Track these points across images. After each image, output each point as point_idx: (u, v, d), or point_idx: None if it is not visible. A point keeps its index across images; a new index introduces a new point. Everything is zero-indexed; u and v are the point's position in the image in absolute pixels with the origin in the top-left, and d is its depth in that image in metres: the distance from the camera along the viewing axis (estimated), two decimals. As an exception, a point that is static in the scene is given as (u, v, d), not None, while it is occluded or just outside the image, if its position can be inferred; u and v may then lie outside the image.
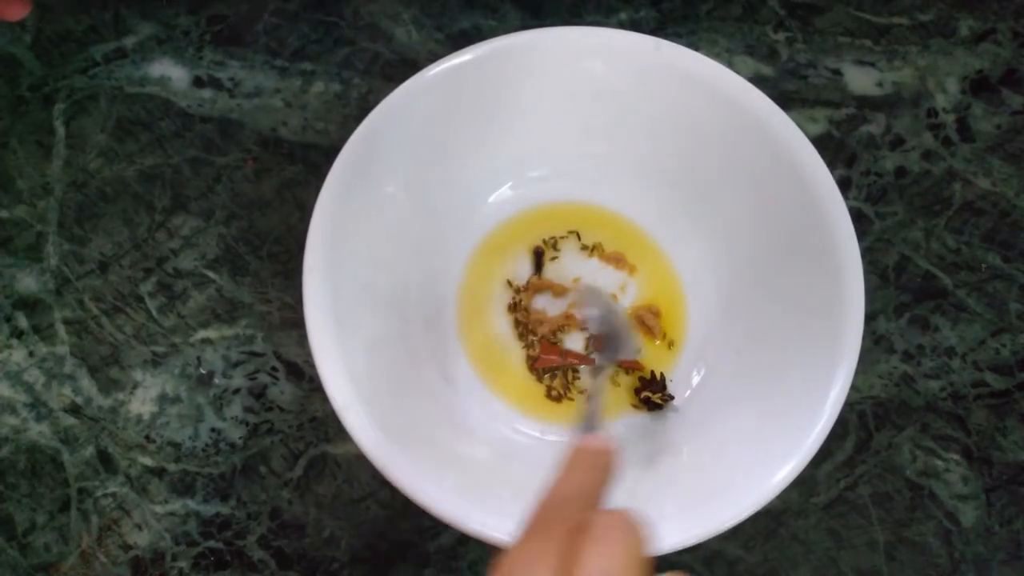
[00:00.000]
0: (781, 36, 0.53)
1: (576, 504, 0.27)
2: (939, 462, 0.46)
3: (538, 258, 0.48)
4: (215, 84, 0.51)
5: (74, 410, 0.46)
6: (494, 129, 0.46)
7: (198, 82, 0.51)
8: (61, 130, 0.50)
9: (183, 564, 0.44)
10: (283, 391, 0.46)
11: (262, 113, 0.51)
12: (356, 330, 0.41)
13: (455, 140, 0.46)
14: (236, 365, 0.47)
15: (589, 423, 0.35)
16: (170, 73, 0.51)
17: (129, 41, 0.52)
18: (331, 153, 0.42)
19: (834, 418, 0.38)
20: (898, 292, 0.49)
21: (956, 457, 0.46)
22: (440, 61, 0.43)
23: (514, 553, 0.26)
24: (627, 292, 0.48)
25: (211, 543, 0.44)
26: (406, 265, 0.45)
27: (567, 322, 0.47)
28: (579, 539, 0.25)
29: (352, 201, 0.42)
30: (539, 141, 0.47)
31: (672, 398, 0.45)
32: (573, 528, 0.25)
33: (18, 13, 0.42)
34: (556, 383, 0.46)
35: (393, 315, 0.44)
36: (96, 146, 0.50)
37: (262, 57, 0.52)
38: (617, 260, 0.48)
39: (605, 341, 0.43)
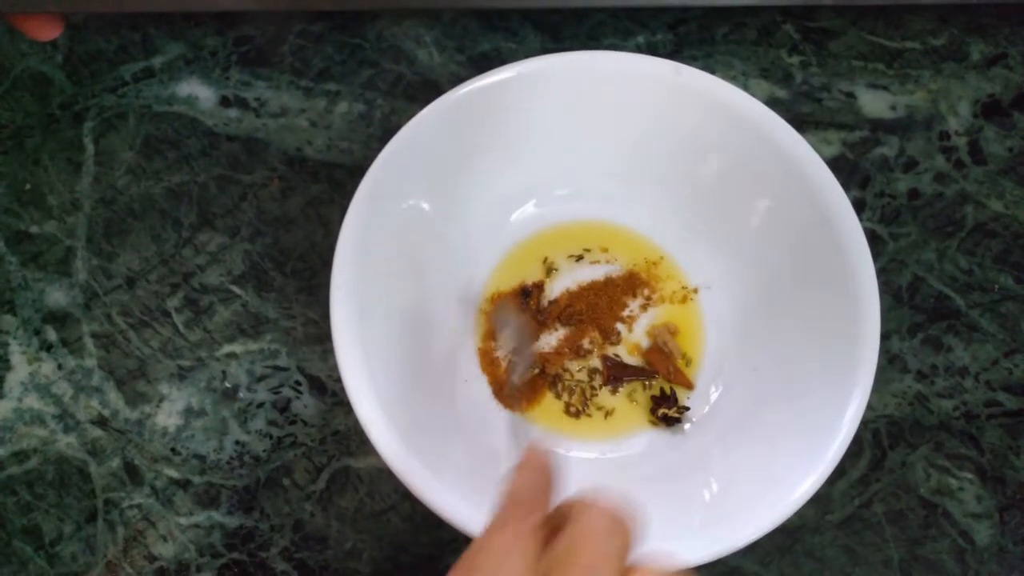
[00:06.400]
0: (796, 60, 0.54)
1: (533, 500, 0.28)
2: (953, 481, 0.47)
3: (526, 296, 0.48)
4: (241, 104, 0.52)
5: (101, 422, 0.47)
6: (517, 149, 0.47)
7: (224, 102, 0.52)
8: (90, 147, 0.51)
9: (207, 575, 0.45)
10: (306, 405, 0.47)
11: (287, 132, 0.52)
12: (381, 345, 0.42)
13: (478, 160, 0.47)
14: (260, 379, 0.47)
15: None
16: (197, 93, 0.53)
17: (157, 61, 0.53)
18: (355, 172, 0.42)
19: (851, 437, 0.39)
20: (912, 312, 0.49)
21: (970, 476, 0.47)
22: (465, 83, 0.44)
23: (484, 545, 0.25)
24: (646, 310, 0.48)
25: (235, 555, 0.45)
26: (428, 282, 0.46)
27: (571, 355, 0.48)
28: (557, 533, 0.24)
29: (378, 219, 0.43)
30: (560, 162, 0.48)
31: (687, 409, 0.46)
32: (546, 520, 0.25)
33: (50, 33, 0.43)
34: (574, 399, 0.47)
35: (417, 332, 0.45)
36: (124, 163, 0.51)
37: (287, 78, 0.53)
38: (635, 279, 0.49)
39: (516, 352, 0.46)
